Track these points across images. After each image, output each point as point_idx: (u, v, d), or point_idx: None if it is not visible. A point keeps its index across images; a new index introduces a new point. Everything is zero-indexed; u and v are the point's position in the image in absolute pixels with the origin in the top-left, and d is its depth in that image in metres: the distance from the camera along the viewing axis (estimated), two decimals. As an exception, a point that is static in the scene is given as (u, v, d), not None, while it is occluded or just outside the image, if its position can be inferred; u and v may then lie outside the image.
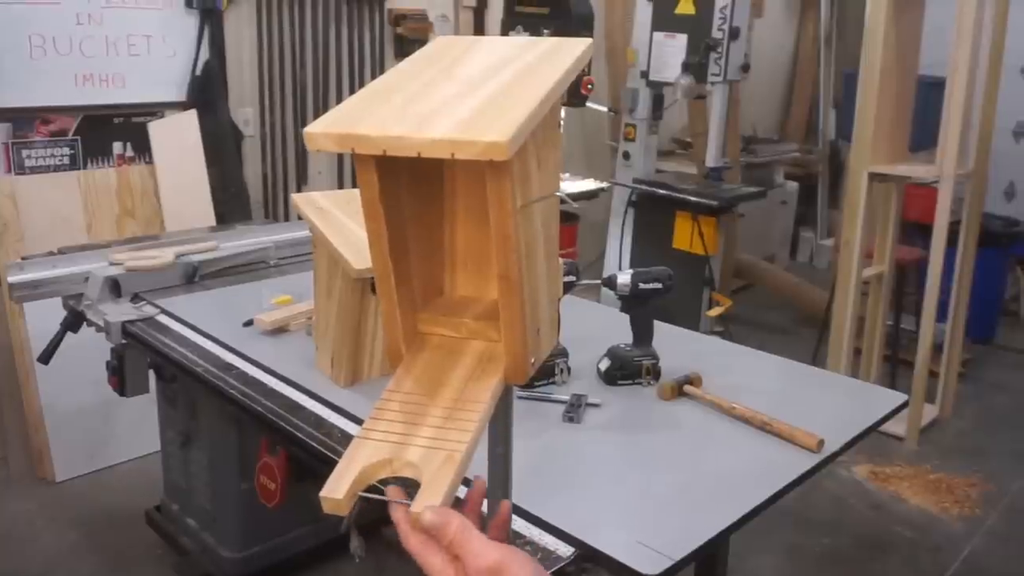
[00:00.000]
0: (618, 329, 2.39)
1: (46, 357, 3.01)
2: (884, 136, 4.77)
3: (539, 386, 2.26)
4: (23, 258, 3.23)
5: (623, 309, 2.39)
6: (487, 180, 1.04)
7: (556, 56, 1.23)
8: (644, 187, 5.24)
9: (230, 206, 4.66)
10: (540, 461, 1.91)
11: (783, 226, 8.46)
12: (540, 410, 2.16)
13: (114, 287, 2.89)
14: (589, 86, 4.30)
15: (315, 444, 1.96)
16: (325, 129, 1.01)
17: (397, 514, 0.97)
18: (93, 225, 4.27)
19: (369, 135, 1.00)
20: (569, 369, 2.34)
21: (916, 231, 5.83)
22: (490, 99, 1.08)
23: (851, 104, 4.88)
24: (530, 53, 1.24)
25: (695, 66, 4.84)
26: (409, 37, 5.37)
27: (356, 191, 2.46)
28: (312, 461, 1.98)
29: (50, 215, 4.14)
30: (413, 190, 1.16)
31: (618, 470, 1.93)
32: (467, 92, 1.11)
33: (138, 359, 2.83)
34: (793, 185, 8.37)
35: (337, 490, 0.97)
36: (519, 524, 1.67)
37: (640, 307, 2.36)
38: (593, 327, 2.57)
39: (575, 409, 2.14)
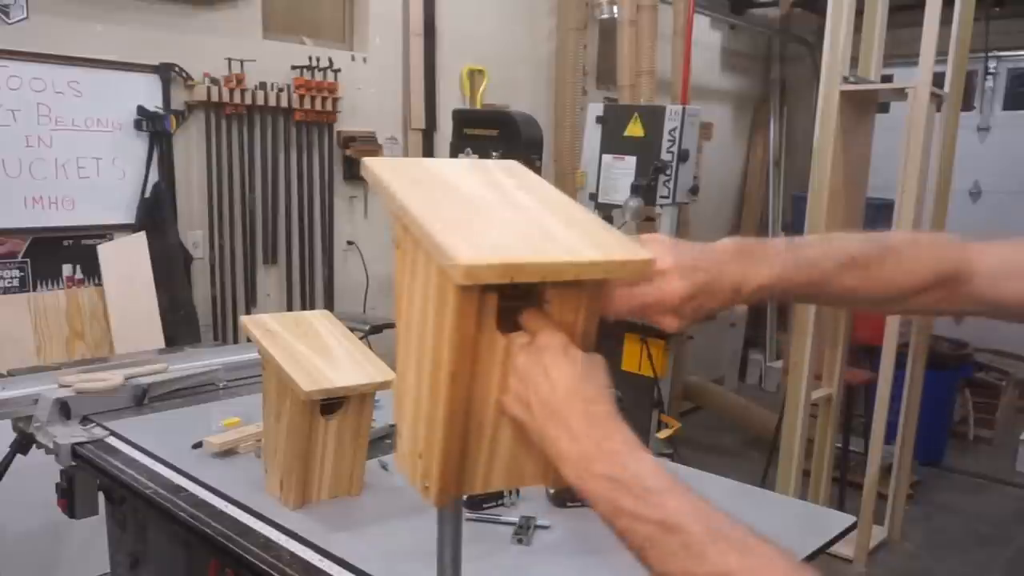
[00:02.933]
0: (567, 451, 2.39)
1: (-5, 479, 2.98)
2: (833, 258, 4.83)
3: (488, 507, 2.26)
4: (-29, 380, 3.20)
5: (572, 431, 2.39)
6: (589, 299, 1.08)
7: (519, 173, 1.26)
8: (594, 309, 5.28)
9: (179, 328, 4.65)
10: (490, 584, 1.90)
11: (732, 348, 8.55)
12: (489, 532, 2.16)
13: (64, 409, 2.87)
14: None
15: (264, 566, 1.94)
16: (486, 260, 0.94)
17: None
18: (43, 347, 4.25)
19: (530, 263, 0.96)
20: (519, 491, 2.34)
21: (865, 353, 5.90)
22: (569, 221, 1.09)
23: (800, 226, 4.94)
24: (490, 170, 1.26)
25: (644, 188, 4.92)
26: (358, 159, 5.40)
27: (305, 314, 2.49)
28: (261, 584, 1.97)
29: (-1, 337, 4.13)
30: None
31: (567, 592, 1.92)
32: (535, 213, 1.12)
33: (87, 481, 2.80)
34: (742, 307, 8.45)
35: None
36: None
37: (589, 429, 2.36)
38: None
39: (524, 531, 2.13)
